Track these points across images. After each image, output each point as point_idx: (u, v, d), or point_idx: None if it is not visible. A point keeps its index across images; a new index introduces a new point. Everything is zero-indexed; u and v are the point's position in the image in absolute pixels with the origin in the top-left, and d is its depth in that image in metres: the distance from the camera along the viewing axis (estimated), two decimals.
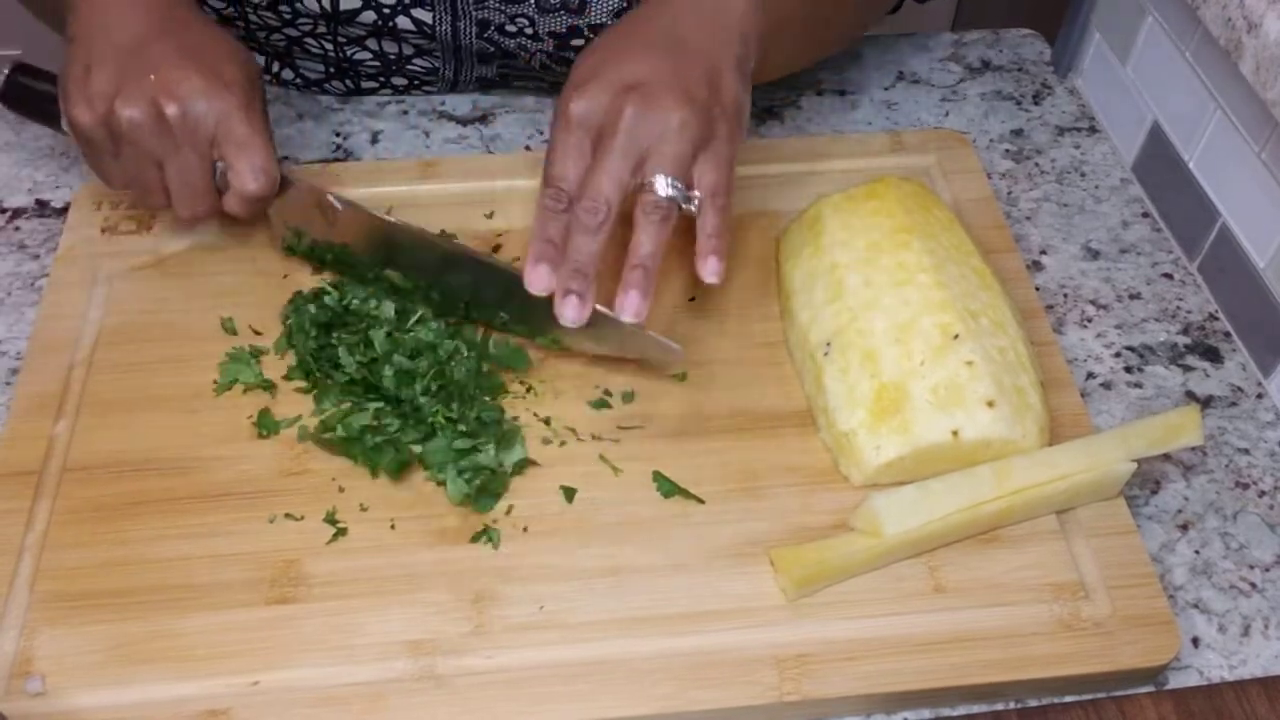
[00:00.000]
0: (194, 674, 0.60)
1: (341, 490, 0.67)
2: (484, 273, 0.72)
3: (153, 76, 0.68)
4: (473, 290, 0.72)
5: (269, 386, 0.71)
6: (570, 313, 0.65)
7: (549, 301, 0.65)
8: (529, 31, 0.84)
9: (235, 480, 0.67)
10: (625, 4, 0.82)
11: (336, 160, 0.87)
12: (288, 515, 0.66)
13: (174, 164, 0.70)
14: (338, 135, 0.89)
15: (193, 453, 0.68)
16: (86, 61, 0.69)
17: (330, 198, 0.74)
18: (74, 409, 0.70)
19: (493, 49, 0.86)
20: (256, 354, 0.72)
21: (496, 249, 0.79)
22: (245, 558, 0.64)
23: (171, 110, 0.68)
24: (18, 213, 0.83)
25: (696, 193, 0.66)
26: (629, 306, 0.65)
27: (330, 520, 0.66)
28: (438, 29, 0.84)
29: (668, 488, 0.67)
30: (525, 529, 0.66)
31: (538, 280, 0.65)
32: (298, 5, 0.83)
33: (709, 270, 0.66)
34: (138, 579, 0.63)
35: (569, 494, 0.67)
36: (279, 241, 0.77)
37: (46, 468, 0.68)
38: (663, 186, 0.64)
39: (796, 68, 0.82)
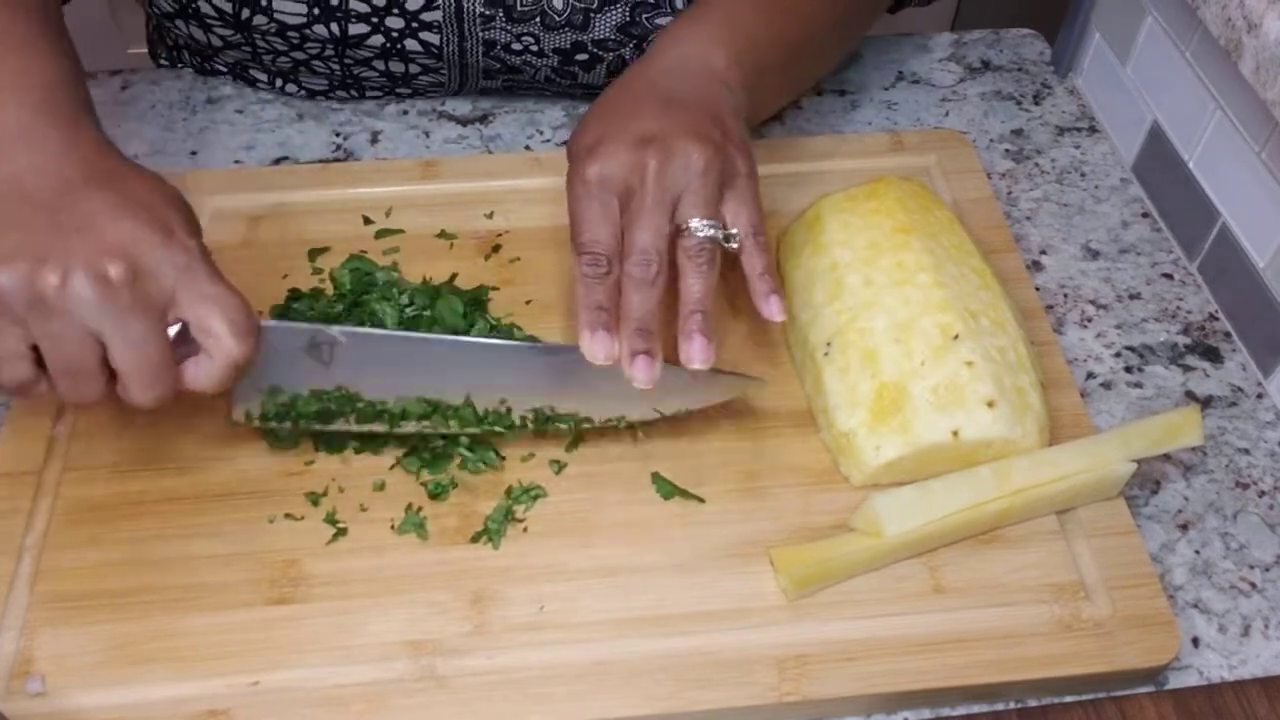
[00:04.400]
0: (194, 674, 0.60)
1: (341, 490, 0.67)
2: (527, 361, 0.65)
3: (91, 230, 0.56)
4: (514, 388, 0.66)
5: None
6: (642, 373, 0.61)
7: (607, 375, 0.62)
8: (534, 49, 0.84)
9: (235, 480, 0.67)
10: (627, 19, 0.82)
11: (336, 160, 0.88)
12: (288, 515, 0.66)
13: (123, 338, 0.56)
14: (338, 135, 0.89)
15: (193, 453, 0.68)
16: None
17: (331, 332, 0.63)
18: (74, 409, 0.70)
19: (499, 65, 0.87)
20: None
21: (496, 249, 0.79)
22: (245, 558, 0.64)
23: (118, 272, 0.55)
24: None
25: (735, 230, 0.65)
26: (696, 353, 0.62)
27: (330, 520, 0.66)
28: (445, 49, 0.85)
29: (667, 489, 0.67)
30: (525, 529, 0.66)
31: (599, 347, 0.61)
32: (306, 32, 0.83)
33: (774, 309, 0.65)
34: (138, 579, 0.63)
35: (568, 494, 0.67)
36: (236, 411, 0.65)
37: (46, 468, 0.68)
38: (701, 228, 0.63)
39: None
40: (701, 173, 0.64)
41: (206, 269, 0.59)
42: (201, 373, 0.59)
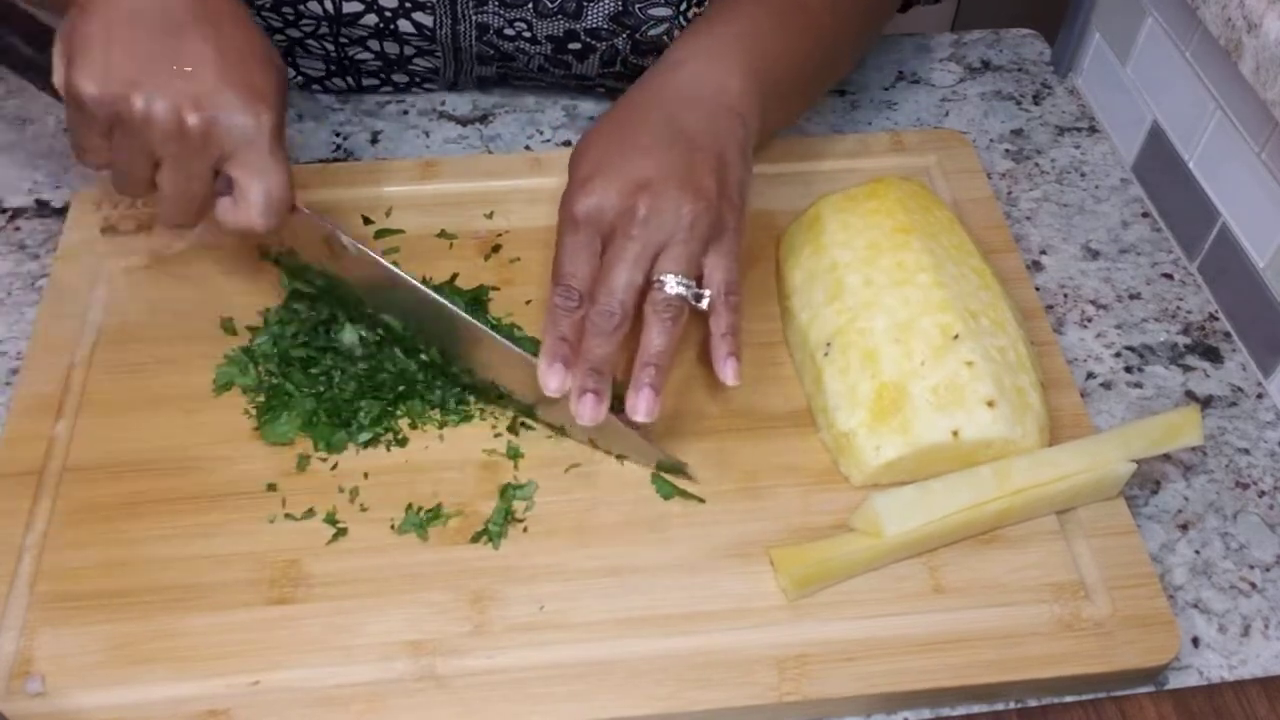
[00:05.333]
0: (194, 674, 0.60)
1: (341, 490, 0.67)
2: (495, 349, 0.68)
3: (184, 73, 0.62)
4: (480, 362, 0.69)
5: (266, 388, 0.71)
6: (587, 411, 0.63)
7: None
8: (527, 35, 0.84)
9: (235, 480, 0.67)
10: (620, 8, 0.82)
11: (336, 160, 0.87)
12: (288, 515, 0.66)
13: (175, 171, 0.64)
14: (338, 135, 0.89)
15: (193, 453, 0.68)
16: (108, 26, 0.62)
17: (342, 238, 0.68)
18: (74, 409, 0.70)
19: (492, 51, 0.87)
20: (251, 356, 0.72)
21: (496, 249, 0.79)
22: (245, 558, 0.64)
23: (194, 121, 0.62)
24: (18, 213, 0.83)
25: (707, 290, 0.65)
26: (641, 406, 0.63)
27: (330, 520, 0.66)
28: (438, 32, 0.85)
29: (667, 489, 0.67)
30: (525, 529, 0.66)
31: (553, 381, 0.64)
32: (301, 8, 0.83)
33: (729, 374, 0.65)
34: (138, 579, 0.63)
35: (568, 494, 0.67)
36: (257, 250, 0.72)
37: (46, 468, 0.67)
38: (673, 285, 0.63)
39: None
40: (688, 228, 0.64)
41: (270, 142, 0.65)
42: (227, 215, 0.67)
